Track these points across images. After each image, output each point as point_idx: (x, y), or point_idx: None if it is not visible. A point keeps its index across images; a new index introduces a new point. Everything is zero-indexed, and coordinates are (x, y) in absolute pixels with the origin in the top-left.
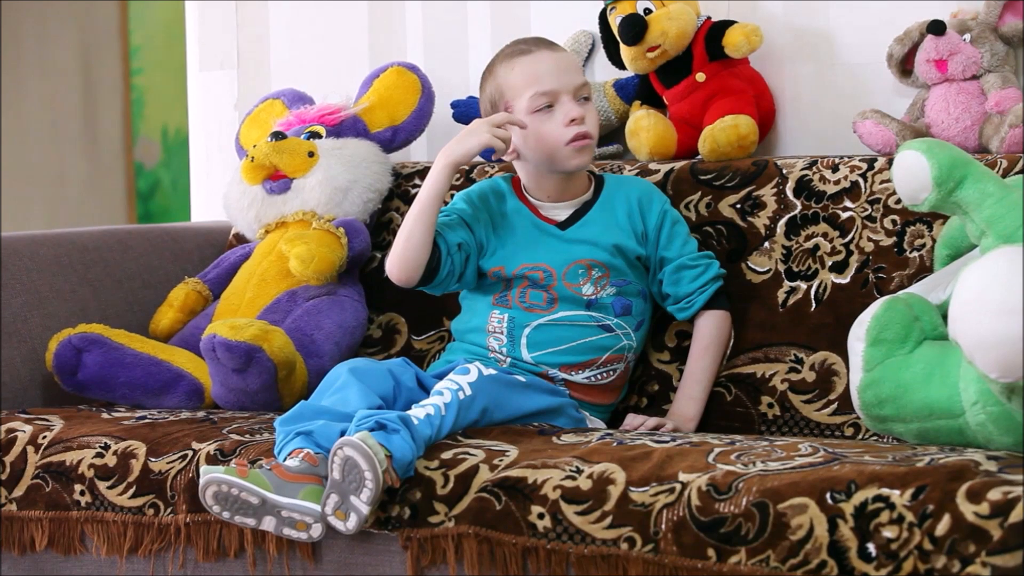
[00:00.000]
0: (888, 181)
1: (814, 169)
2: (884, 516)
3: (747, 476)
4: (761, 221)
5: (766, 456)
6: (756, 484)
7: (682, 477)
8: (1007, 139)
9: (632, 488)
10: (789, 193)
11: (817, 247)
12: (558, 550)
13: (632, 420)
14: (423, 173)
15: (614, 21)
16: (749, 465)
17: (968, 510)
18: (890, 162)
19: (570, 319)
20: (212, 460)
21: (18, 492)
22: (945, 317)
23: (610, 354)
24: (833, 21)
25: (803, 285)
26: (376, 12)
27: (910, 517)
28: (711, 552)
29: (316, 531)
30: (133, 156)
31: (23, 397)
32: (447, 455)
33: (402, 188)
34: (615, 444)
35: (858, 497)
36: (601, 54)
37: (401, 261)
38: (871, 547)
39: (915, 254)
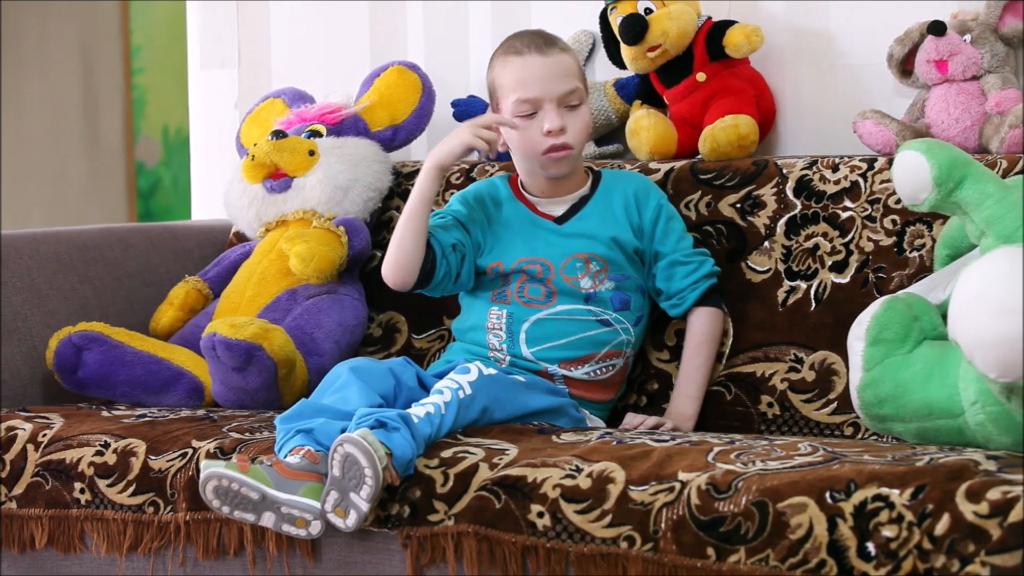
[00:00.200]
0: (888, 181)
1: (814, 169)
2: (883, 515)
3: (747, 475)
4: (761, 221)
5: (766, 455)
6: (756, 483)
7: (682, 476)
8: (1007, 139)
9: (632, 487)
10: (789, 193)
11: (817, 247)
12: (558, 549)
13: (631, 419)
14: None
15: (615, 21)
16: (749, 464)
17: (967, 509)
18: (890, 162)
19: (569, 313)
20: (212, 457)
21: (18, 490)
22: (945, 317)
23: (609, 349)
24: (833, 21)
25: (803, 285)
26: (377, 11)
27: (909, 516)
28: (710, 551)
29: (315, 528)
30: (134, 155)
31: (23, 395)
32: (447, 454)
33: (402, 187)
34: (615, 443)
35: (857, 496)
36: (602, 53)
37: (395, 265)
38: (870, 546)
39: (915, 254)
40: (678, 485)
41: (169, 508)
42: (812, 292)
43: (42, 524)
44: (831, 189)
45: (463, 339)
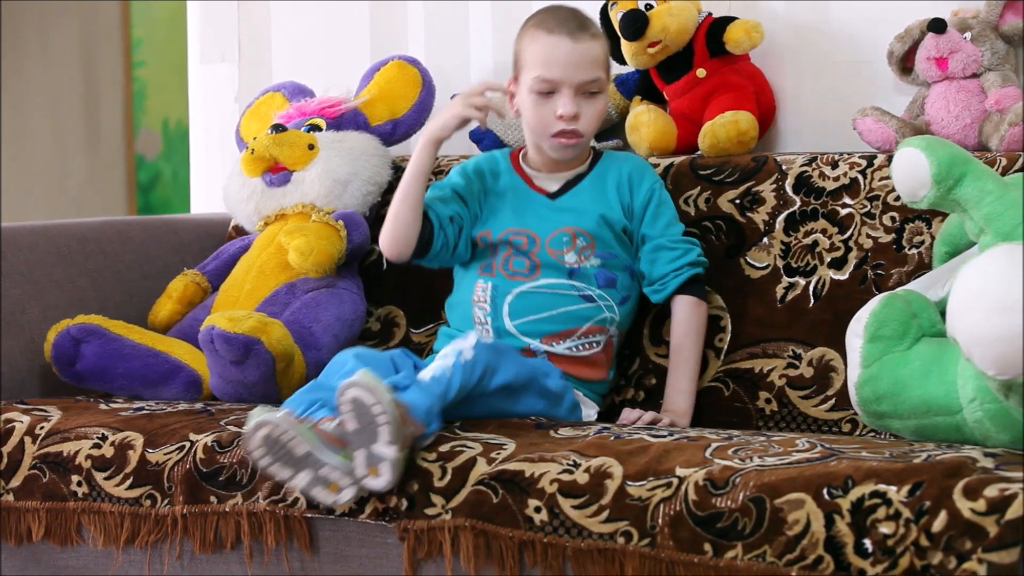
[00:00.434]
0: (887, 178)
1: (813, 165)
2: (881, 512)
3: (744, 471)
4: (760, 217)
5: (763, 451)
6: (753, 479)
7: (679, 472)
8: (1007, 137)
9: (629, 482)
10: (788, 189)
11: (816, 243)
12: (555, 544)
13: (628, 414)
14: None
15: (615, 16)
16: (746, 460)
17: (965, 506)
18: (889, 159)
19: (551, 287)
20: (209, 452)
21: (15, 482)
22: (943, 314)
23: (591, 324)
24: (834, 18)
25: (802, 281)
26: (377, 6)
27: (907, 513)
28: (708, 547)
29: (345, 496)
30: (134, 148)
31: (21, 387)
32: (444, 448)
33: None
34: (612, 438)
35: (855, 493)
36: None
37: (391, 238)
38: (867, 543)
39: (914, 251)
40: (675, 481)
41: (166, 501)
42: (811, 288)
43: (39, 517)
44: (830, 186)
45: (452, 313)
